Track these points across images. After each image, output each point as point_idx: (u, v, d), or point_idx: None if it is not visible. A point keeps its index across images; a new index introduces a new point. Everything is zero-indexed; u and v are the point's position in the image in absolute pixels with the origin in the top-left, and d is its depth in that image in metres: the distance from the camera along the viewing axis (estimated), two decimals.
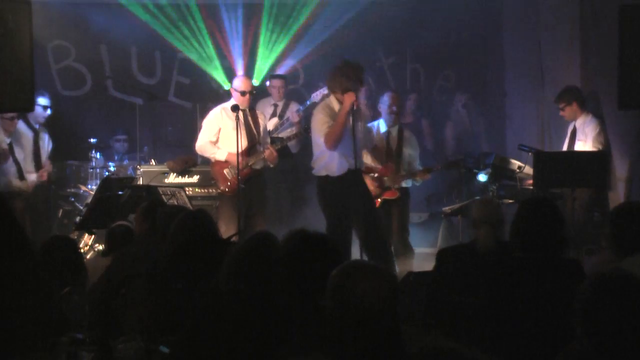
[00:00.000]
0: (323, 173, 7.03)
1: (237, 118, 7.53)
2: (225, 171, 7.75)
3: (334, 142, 6.83)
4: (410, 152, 7.88)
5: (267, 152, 7.79)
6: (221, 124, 7.81)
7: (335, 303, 2.74)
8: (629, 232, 4.06)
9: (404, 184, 7.82)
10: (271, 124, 9.07)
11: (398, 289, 2.84)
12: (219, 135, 7.83)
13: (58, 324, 1.74)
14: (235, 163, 7.51)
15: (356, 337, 2.70)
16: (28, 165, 8.33)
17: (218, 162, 7.81)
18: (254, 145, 7.81)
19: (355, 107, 6.83)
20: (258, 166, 7.84)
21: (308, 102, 8.88)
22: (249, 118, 7.87)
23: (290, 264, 3.24)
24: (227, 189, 7.73)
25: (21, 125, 8.33)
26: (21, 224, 1.71)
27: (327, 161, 7.00)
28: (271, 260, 3.38)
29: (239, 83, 7.91)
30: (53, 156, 8.73)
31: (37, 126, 8.46)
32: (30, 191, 8.21)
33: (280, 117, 9.18)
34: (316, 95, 8.64)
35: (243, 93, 7.79)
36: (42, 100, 8.39)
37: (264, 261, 3.42)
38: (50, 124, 8.73)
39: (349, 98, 6.78)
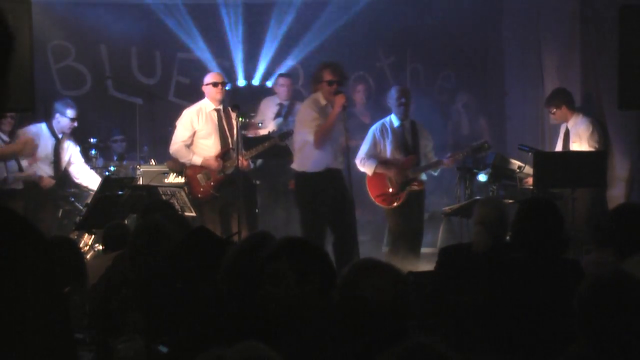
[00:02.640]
0: (300, 169, 7.20)
1: (238, 118, 7.48)
2: (199, 176, 7.62)
3: (322, 141, 7.00)
4: (426, 143, 7.87)
5: (243, 163, 7.64)
6: (197, 127, 7.63)
7: (343, 298, 2.77)
8: (628, 233, 4.07)
9: (423, 177, 7.82)
10: (275, 124, 9.04)
11: (407, 289, 2.85)
12: (193, 139, 7.65)
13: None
14: (210, 167, 7.54)
15: (361, 333, 2.71)
16: (45, 170, 8.33)
17: (192, 167, 7.65)
18: (227, 151, 7.60)
19: (345, 108, 6.97)
20: (230, 171, 7.65)
21: None
22: (224, 120, 7.67)
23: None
24: (199, 195, 7.59)
25: (43, 130, 8.35)
26: (32, 221, 1.70)
27: (305, 156, 7.15)
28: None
29: (213, 77, 7.76)
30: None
31: (60, 135, 8.46)
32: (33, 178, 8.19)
33: (285, 117, 9.12)
34: None
35: (215, 84, 7.64)
36: (70, 112, 8.38)
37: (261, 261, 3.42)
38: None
39: (340, 100, 6.91)
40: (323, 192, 7.04)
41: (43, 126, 8.38)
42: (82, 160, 8.64)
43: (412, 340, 2.06)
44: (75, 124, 8.45)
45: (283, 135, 7.85)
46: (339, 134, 7.04)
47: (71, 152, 8.57)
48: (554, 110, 8.12)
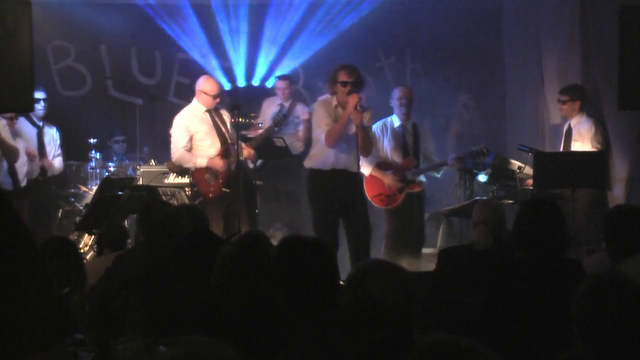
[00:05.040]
0: (308, 165, 7.21)
1: (236, 117, 7.49)
2: (206, 177, 7.60)
3: (333, 140, 6.95)
4: (427, 145, 7.89)
5: (246, 153, 7.67)
6: (192, 130, 7.60)
7: (351, 299, 2.78)
8: (623, 235, 4.08)
9: (422, 178, 7.83)
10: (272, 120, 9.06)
11: (413, 289, 2.87)
12: (192, 143, 7.62)
13: (63, 322, 1.72)
14: (216, 167, 7.54)
15: (369, 333, 2.73)
16: (33, 162, 8.35)
17: (198, 170, 7.64)
18: (228, 148, 7.62)
19: (358, 108, 6.84)
20: (234, 166, 7.62)
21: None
22: (216, 119, 7.67)
23: (283, 269, 3.25)
24: (210, 194, 7.58)
25: (22, 122, 8.33)
26: (23, 221, 1.70)
27: (314, 154, 7.17)
28: (262, 259, 3.38)
29: (211, 86, 7.68)
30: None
31: (40, 123, 8.47)
32: (25, 184, 8.18)
33: (286, 117, 9.14)
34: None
35: (215, 97, 7.63)
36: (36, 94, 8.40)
37: (255, 260, 3.41)
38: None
39: (353, 100, 6.83)
40: (328, 191, 7.01)
41: (21, 119, 8.34)
42: (59, 151, 8.68)
43: (436, 337, 2.04)
44: (42, 104, 8.39)
45: (276, 121, 7.97)
46: (354, 136, 6.94)
47: (52, 139, 8.61)
48: (567, 99, 8.02)
